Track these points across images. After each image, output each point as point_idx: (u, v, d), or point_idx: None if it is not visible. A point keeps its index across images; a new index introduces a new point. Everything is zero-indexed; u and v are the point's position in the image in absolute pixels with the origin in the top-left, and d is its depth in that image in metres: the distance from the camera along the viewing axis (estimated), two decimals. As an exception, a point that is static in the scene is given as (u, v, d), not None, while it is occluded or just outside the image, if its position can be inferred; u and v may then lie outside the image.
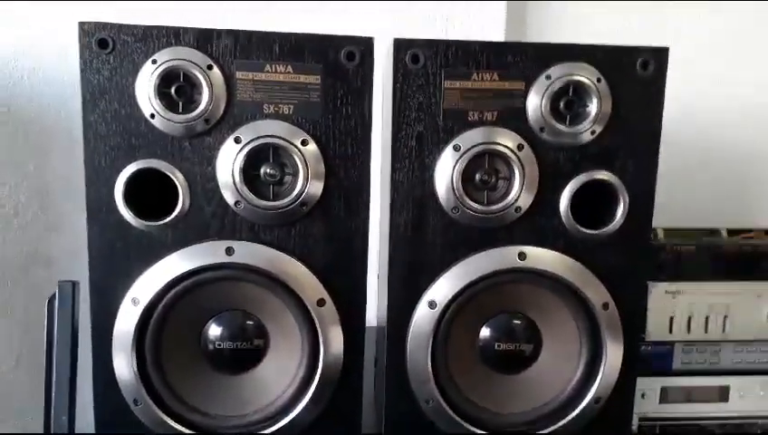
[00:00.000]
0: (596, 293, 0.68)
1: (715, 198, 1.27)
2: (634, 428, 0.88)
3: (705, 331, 0.87)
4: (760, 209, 1.29)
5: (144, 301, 0.65)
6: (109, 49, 0.61)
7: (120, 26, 0.61)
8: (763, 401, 0.89)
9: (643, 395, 0.87)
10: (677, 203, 1.20)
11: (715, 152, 1.30)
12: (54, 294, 0.75)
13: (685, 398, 0.88)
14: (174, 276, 0.64)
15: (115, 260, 0.65)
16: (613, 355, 0.69)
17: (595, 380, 0.70)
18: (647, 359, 0.87)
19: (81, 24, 0.61)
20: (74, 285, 0.76)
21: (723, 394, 0.89)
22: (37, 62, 1.09)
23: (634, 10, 1.22)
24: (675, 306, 0.86)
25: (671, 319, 0.87)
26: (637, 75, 0.66)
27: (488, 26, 1.12)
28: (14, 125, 1.10)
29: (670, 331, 0.87)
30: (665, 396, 0.88)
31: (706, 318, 0.87)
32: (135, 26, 0.61)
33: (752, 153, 1.31)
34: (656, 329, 0.87)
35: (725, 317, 0.87)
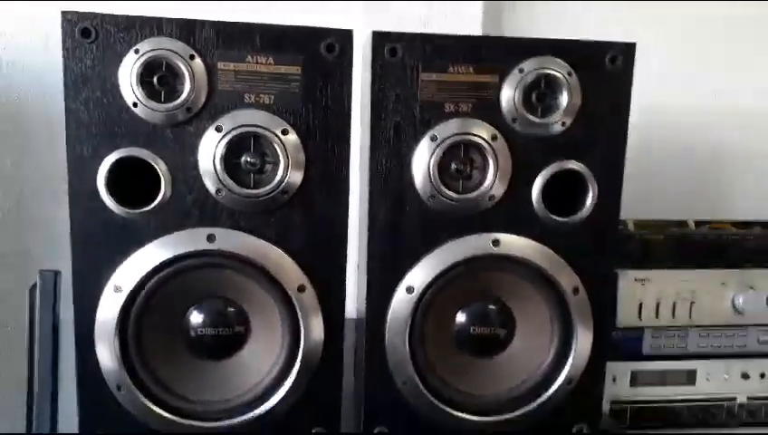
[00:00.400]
0: (567, 278, 0.71)
1: (686, 194, 1.31)
2: (606, 411, 0.91)
3: (673, 317, 0.91)
4: (730, 204, 1.34)
5: (126, 288, 0.66)
6: (92, 38, 0.62)
7: (103, 16, 0.62)
8: (728, 384, 0.93)
9: (614, 379, 0.90)
10: (650, 198, 1.24)
11: (686, 150, 1.34)
12: (35, 284, 0.76)
13: (654, 381, 0.91)
14: (156, 264, 0.65)
15: (97, 247, 0.66)
16: (583, 338, 0.72)
17: (567, 362, 0.73)
18: (617, 344, 0.90)
19: (65, 14, 0.61)
20: (56, 274, 0.76)
21: (690, 378, 0.92)
22: (17, 54, 1.09)
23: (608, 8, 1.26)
24: (644, 293, 0.90)
25: (640, 305, 0.90)
26: (606, 69, 0.68)
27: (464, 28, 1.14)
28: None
29: (639, 317, 0.90)
30: (635, 380, 0.91)
31: (674, 304, 0.90)
32: (118, 16, 0.62)
33: (722, 150, 1.35)
34: (625, 315, 0.90)
35: (692, 304, 0.90)
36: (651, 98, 1.24)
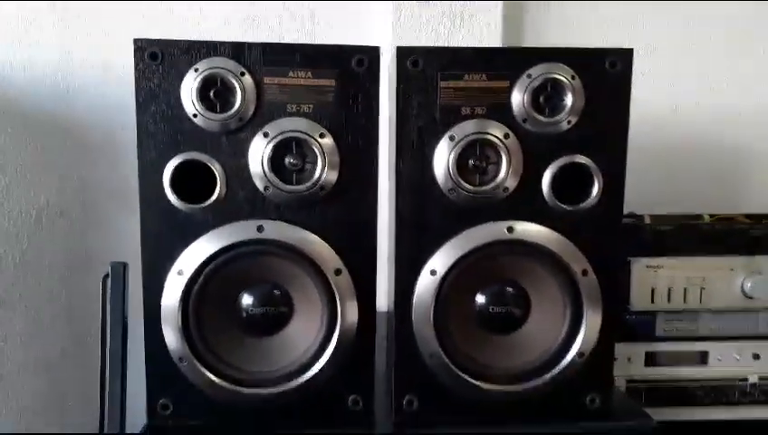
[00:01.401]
0: (576, 261, 0.78)
1: (704, 190, 1.36)
2: (622, 389, 0.98)
3: (684, 301, 0.97)
4: (746, 199, 1.38)
5: (188, 272, 0.76)
6: (158, 60, 0.73)
7: (168, 41, 0.73)
8: (740, 365, 0.98)
9: (629, 359, 0.97)
10: (669, 195, 1.30)
11: (705, 147, 1.39)
12: (107, 274, 0.88)
13: (668, 362, 0.98)
14: (213, 251, 0.76)
15: (163, 238, 0.77)
16: (593, 315, 0.79)
17: (578, 337, 0.80)
18: (632, 327, 0.97)
19: (136, 41, 0.73)
20: (125, 265, 0.88)
21: (703, 358, 0.98)
22: (80, 79, 1.23)
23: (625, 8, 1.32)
24: (656, 279, 0.96)
25: (653, 291, 0.96)
26: (606, 73, 0.76)
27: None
28: (61, 136, 1.23)
29: (652, 301, 0.97)
30: (649, 360, 0.97)
31: (685, 290, 0.96)
32: (180, 41, 0.73)
33: (739, 147, 1.40)
34: (639, 300, 0.96)
35: (702, 289, 0.96)
36: (676, 98, 1.31)
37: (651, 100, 1.26)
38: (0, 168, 1.20)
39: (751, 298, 0.96)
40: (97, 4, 1.20)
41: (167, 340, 0.78)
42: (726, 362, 0.98)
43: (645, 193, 1.20)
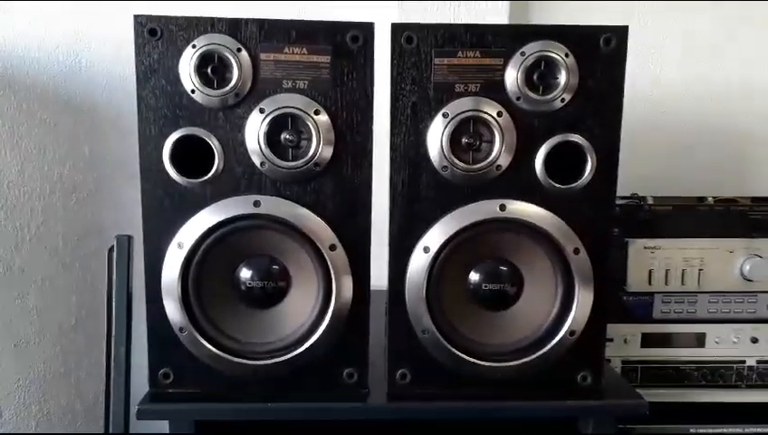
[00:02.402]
0: (567, 239, 0.79)
1: (711, 172, 1.35)
2: (617, 370, 0.98)
3: (682, 283, 0.97)
4: (754, 181, 1.36)
5: (187, 245, 0.78)
6: (158, 36, 0.75)
7: (167, 18, 0.75)
8: (738, 347, 0.98)
9: (625, 340, 0.97)
10: (675, 176, 1.29)
11: (712, 129, 1.37)
12: (112, 247, 0.90)
13: (664, 343, 0.98)
14: (211, 224, 0.78)
15: (163, 212, 0.79)
16: (584, 294, 0.80)
17: (569, 315, 0.80)
18: (628, 308, 0.97)
19: (136, 17, 0.75)
20: (129, 238, 0.90)
21: (700, 340, 0.98)
22: (94, 55, 1.25)
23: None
24: (653, 261, 0.96)
25: (650, 272, 0.96)
26: (600, 51, 0.76)
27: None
28: (74, 112, 1.26)
29: (650, 283, 0.97)
30: (645, 341, 0.98)
31: (683, 272, 0.96)
32: (178, 17, 0.75)
33: (747, 130, 1.38)
34: (636, 281, 0.96)
35: (700, 271, 0.96)
36: (683, 81, 1.29)
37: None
38: (15, 144, 1.23)
39: (750, 281, 0.96)
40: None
41: (167, 311, 0.80)
42: (724, 344, 0.98)
43: (657, 175, 1.20)
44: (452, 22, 1.20)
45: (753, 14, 1.31)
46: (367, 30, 0.76)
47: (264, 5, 1.19)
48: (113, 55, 1.25)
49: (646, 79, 1.30)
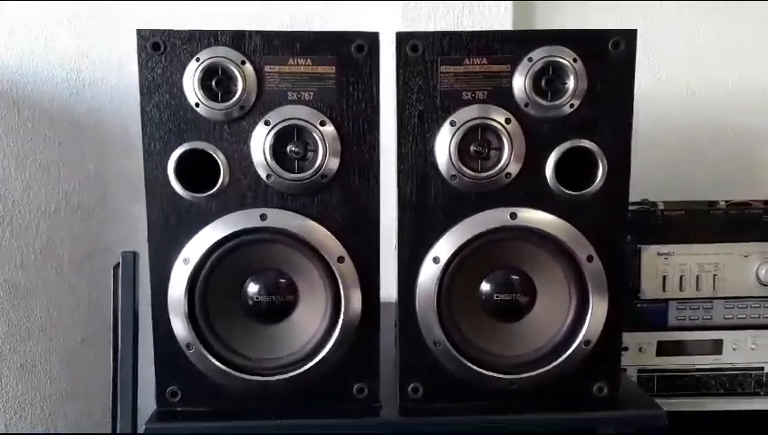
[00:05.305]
0: (580, 246, 0.77)
1: (720, 175, 1.33)
2: (633, 379, 0.96)
3: (697, 289, 0.95)
4: (765, 184, 1.34)
5: (193, 260, 0.77)
6: (161, 50, 0.74)
7: (170, 31, 0.74)
8: (755, 354, 0.96)
9: (640, 349, 0.95)
10: (683, 180, 1.27)
11: (722, 133, 1.36)
12: (118, 263, 0.89)
13: (680, 351, 0.96)
14: (217, 239, 0.77)
15: (169, 228, 0.78)
16: (599, 302, 0.78)
17: (584, 324, 0.79)
18: (643, 315, 0.95)
19: (139, 31, 0.74)
20: (135, 254, 0.89)
21: (716, 347, 0.96)
22: (97, 73, 1.25)
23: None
24: (667, 267, 0.94)
25: (664, 279, 0.95)
26: (609, 54, 0.75)
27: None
28: (78, 130, 1.26)
29: (664, 289, 0.95)
30: (661, 350, 0.96)
31: (697, 277, 0.95)
32: (181, 31, 0.74)
33: (758, 133, 1.36)
34: (650, 288, 0.95)
35: (715, 276, 0.94)
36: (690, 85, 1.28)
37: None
38: (20, 162, 1.23)
39: (766, 285, 0.94)
40: (112, 3, 1.22)
41: (174, 327, 0.79)
42: (742, 351, 0.95)
43: (666, 182, 1.19)
44: (455, 24, 1.20)
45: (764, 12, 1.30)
46: (371, 39, 0.75)
47: (263, 5, 1.20)
48: (117, 72, 1.25)
49: (648, 80, 1.29)
